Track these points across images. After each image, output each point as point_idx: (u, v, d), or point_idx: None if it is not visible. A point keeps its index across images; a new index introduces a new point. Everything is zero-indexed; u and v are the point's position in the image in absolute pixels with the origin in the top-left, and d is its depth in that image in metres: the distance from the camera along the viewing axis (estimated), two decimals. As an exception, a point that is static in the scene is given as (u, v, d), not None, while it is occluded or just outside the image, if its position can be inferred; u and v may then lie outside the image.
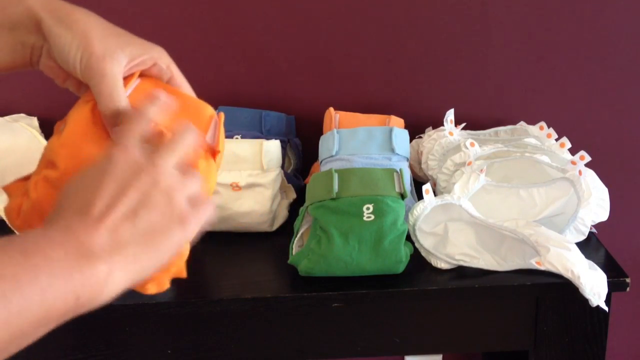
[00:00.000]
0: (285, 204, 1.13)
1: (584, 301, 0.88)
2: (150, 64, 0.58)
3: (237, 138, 1.15)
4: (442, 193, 1.10)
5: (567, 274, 0.87)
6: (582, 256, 0.90)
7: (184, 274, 0.59)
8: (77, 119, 0.56)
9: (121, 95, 0.55)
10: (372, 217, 0.91)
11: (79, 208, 0.46)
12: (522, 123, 1.25)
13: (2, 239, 0.43)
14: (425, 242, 0.96)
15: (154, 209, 0.48)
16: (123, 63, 0.56)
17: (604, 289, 0.88)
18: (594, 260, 0.93)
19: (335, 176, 0.96)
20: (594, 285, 0.87)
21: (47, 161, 0.56)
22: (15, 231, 0.57)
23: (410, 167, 1.15)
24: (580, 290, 0.87)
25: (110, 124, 0.55)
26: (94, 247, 0.44)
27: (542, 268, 0.90)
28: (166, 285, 0.58)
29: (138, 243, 0.47)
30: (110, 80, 0.55)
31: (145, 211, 0.48)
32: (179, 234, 0.50)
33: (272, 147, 1.07)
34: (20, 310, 0.41)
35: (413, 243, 0.96)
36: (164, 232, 0.49)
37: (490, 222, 0.96)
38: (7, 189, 0.57)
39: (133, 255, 0.46)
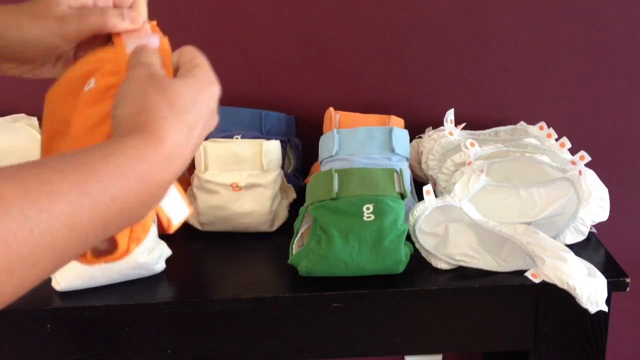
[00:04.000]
0: (285, 204, 1.13)
1: (584, 301, 0.88)
2: None
3: (237, 138, 1.15)
4: (442, 193, 1.10)
5: (563, 286, 0.88)
6: (580, 264, 0.90)
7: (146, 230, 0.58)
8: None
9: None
10: (372, 217, 0.91)
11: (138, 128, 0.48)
12: (522, 123, 1.25)
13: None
14: (426, 242, 0.96)
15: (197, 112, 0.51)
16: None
17: (602, 295, 0.88)
18: (594, 260, 0.93)
19: (335, 176, 0.96)
20: (591, 294, 0.87)
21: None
22: None
23: (410, 167, 1.15)
24: (577, 300, 0.87)
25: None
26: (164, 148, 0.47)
27: (537, 281, 0.90)
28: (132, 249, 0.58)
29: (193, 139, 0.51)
30: (87, 14, 0.56)
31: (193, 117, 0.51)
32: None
33: (272, 148, 1.07)
34: (114, 195, 0.42)
35: (413, 243, 0.96)
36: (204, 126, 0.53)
37: (490, 224, 0.96)
38: None
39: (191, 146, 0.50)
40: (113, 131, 0.49)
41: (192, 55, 0.55)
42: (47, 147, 0.56)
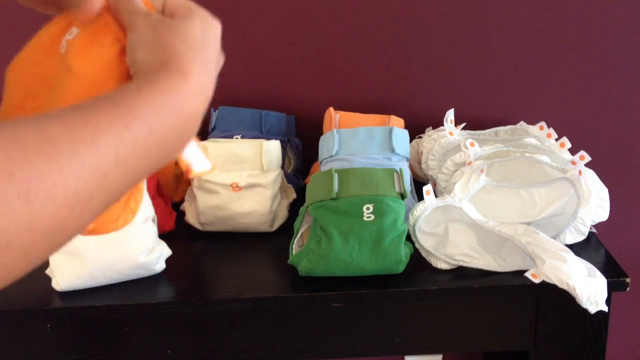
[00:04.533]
0: (285, 204, 1.13)
1: (584, 301, 0.88)
2: None
3: (237, 138, 1.15)
4: (442, 193, 1.10)
5: (563, 286, 0.88)
6: (580, 264, 0.90)
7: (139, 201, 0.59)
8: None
9: None
10: (372, 217, 0.91)
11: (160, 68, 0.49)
12: (522, 123, 1.25)
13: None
14: (426, 242, 0.96)
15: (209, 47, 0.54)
16: None
17: (602, 295, 0.88)
18: (594, 260, 0.93)
19: (335, 176, 0.96)
20: (591, 294, 0.87)
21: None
22: None
23: (410, 167, 1.15)
24: (577, 300, 0.87)
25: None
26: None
27: (537, 281, 0.90)
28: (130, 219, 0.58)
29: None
30: None
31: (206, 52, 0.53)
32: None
33: (272, 148, 1.07)
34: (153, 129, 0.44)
35: (413, 243, 0.96)
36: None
37: (490, 224, 0.96)
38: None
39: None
40: (135, 77, 0.50)
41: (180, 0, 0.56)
42: (18, 108, 0.54)
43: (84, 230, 0.42)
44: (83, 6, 0.53)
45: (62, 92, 0.52)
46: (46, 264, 0.93)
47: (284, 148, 1.17)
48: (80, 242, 0.92)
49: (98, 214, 0.42)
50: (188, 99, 0.48)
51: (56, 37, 0.54)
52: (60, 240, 0.39)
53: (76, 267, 0.91)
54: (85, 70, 0.52)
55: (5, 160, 0.36)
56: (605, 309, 0.88)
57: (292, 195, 1.15)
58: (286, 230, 1.07)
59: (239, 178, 1.06)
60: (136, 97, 0.44)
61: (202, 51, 0.51)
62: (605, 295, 0.88)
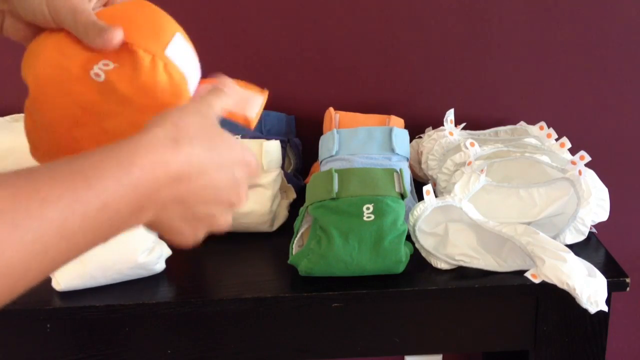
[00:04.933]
0: (285, 204, 1.13)
1: (584, 301, 0.88)
2: None
3: (237, 138, 1.15)
4: (442, 193, 1.10)
5: (563, 286, 0.88)
6: (580, 264, 0.90)
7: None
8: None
9: (101, 22, 0.55)
10: (372, 217, 0.91)
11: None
12: (522, 123, 1.25)
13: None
14: (426, 242, 0.96)
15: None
16: None
17: (602, 295, 0.88)
18: (594, 260, 0.93)
19: (335, 176, 0.96)
20: (591, 294, 0.87)
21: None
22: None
23: (410, 167, 1.15)
24: (577, 300, 0.87)
25: (100, 47, 0.55)
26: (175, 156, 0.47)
27: (537, 281, 0.90)
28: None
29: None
30: (83, 14, 0.54)
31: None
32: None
33: (272, 148, 1.07)
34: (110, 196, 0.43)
35: (413, 243, 0.96)
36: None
37: (491, 225, 0.96)
38: None
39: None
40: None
41: None
42: (69, 139, 0.56)
43: (14, 298, 0.40)
44: (104, 39, 0.53)
45: (118, 123, 0.54)
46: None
47: (284, 148, 1.17)
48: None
49: (35, 283, 0.41)
50: (150, 176, 0.45)
51: (83, 67, 0.55)
52: None
53: (76, 267, 0.91)
54: (148, 102, 0.54)
55: None
56: (605, 309, 0.88)
57: (292, 195, 1.15)
58: (286, 230, 1.07)
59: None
60: (94, 167, 0.42)
61: (216, 150, 0.50)
62: (605, 295, 0.88)
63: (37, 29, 0.57)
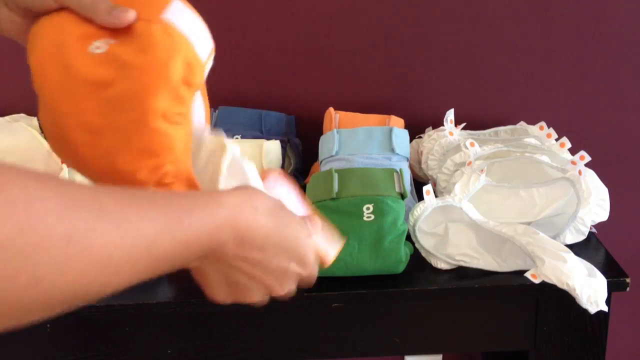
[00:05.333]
0: (285, 204, 1.12)
1: (584, 301, 0.88)
2: None
3: (237, 138, 1.15)
4: (442, 193, 1.10)
5: (563, 286, 0.88)
6: (580, 264, 0.90)
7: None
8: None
9: (106, 2, 0.55)
10: (372, 217, 0.91)
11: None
12: (522, 123, 1.25)
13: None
14: (426, 242, 0.96)
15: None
16: None
17: (602, 295, 0.88)
18: (594, 260, 0.93)
19: (335, 176, 0.96)
20: (591, 294, 0.87)
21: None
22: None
23: (410, 167, 1.15)
24: (577, 300, 0.87)
25: (112, 25, 0.55)
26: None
27: (537, 281, 0.90)
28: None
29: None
30: None
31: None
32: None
33: (272, 148, 1.07)
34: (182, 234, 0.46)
35: (413, 243, 0.96)
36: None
37: (491, 225, 0.96)
38: None
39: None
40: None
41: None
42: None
43: (100, 297, 0.44)
44: (116, 17, 0.54)
45: (121, 89, 0.53)
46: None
47: (284, 148, 1.17)
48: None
49: (114, 292, 0.45)
50: (228, 231, 0.49)
51: (82, 43, 0.54)
52: (77, 298, 0.41)
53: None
54: (149, 63, 0.54)
55: (58, 206, 0.38)
56: (605, 309, 0.88)
57: (292, 195, 1.15)
58: (286, 230, 1.07)
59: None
60: (188, 206, 0.47)
61: (281, 229, 0.53)
62: (605, 295, 0.88)
63: (32, 21, 0.57)
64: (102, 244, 0.40)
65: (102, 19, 0.54)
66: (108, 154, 0.54)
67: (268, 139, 1.12)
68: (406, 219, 0.95)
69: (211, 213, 0.48)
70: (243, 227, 0.50)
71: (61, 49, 0.54)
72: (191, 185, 0.58)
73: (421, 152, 1.19)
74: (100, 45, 0.54)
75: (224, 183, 0.60)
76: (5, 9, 0.57)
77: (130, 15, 0.54)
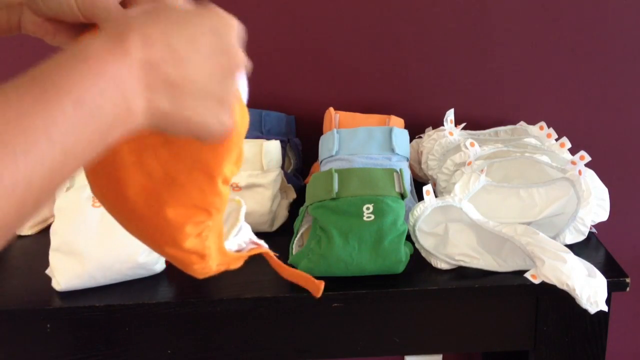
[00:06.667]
0: (285, 204, 1.13)
1: (584, 301, 0.88)
2: None
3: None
4: (442, 193, 1.10)
5: (563, 287, 0.88)
6: (580, 264, 0.90)
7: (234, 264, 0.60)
8: None
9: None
10: (372, 217, 0.91)
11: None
12: (522, 123, 1.25)
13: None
14: (426, 242, 0.96)
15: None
16: None
17: (602, 295, 0.88)
18: (594, 260, 0.93)
19: (335, 176, 0.96)
20: (590, 294, 0.87)
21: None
22: None
23: (410, 167, 1.15)
24: (577, 301, 0.87)
25: None
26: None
27: (537, 282, 0.90)
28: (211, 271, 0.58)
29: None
30: (119, 11, 0.49)
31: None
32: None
33: (272, 148, 1.07)
34: (90, 114, 0.39)
35: (413, 243, 0.96)
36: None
37: (491, 225, 0.96)
38: None
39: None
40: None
41: None
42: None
43: (28, 217, 0.39)
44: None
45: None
46: (46, 264, 0.93)
47: (284, 148, 1.17)
48: (80, 242, 0.92)
49: (41, 205, 0.39)
50: (121, 64, 0.41)
51: None
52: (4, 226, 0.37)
53: (76, 267, 0.91)
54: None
55: None
56: (605, 309, 0.88)
57: (292, 195, 1.15)
58: (286, 230, 1.07)
59: (239, 178, 1.06)
60: (59, 68, 0.40)
61: (174, 28, 0.44)
62: (605, 295, 0.88)
63: (58, 23, 0.54)
64: (14, 172, 0.36)
65: None
66: (160, 203, 0.51)
67: (268, 139, 1.12)
68: (406, 219, 0.95)
69: (84, 71, 0.40)
70: (136, 57, 0.42)
71: None
72: (220, 237, 0.57)
73: (421, 152, 1.19)
74: None
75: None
76: (28, 11, 0.54)
77: None
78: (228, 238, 0.60)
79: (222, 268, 0.60)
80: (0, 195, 0.36)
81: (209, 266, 0.56)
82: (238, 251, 0.63)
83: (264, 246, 0.66)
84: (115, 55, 0.41)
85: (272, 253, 0.65)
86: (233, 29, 0.49)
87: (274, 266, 0.65)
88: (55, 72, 0.40)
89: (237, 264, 0.61)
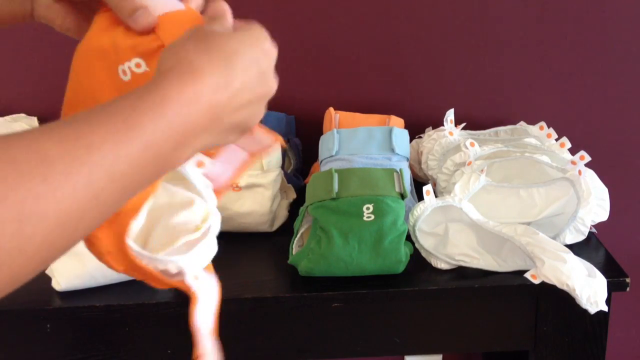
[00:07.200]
0: (285, 204, 1.13)
1: (584, 301, 0.88)
2: None
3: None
4: (442, 193, 1.10)
5: (563, 287, 0.88)
6: (580, 264, 0.90)
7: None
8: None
9: (139, 2, 0.51)
10: (372, 217, 0.91)
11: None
12: (522, 123, 1.25)
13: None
14: (426, 242, 0.96)
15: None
16: None
17: (602, 295, 0.88)
18: (594, 260, 0.93)
19: (335, 176, 0.96)
20: (590, 294, 0.87)
21: None
22: None
23: (410, 167, 1.15)
24: (577, 301, 0.87)
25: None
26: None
27: (537, 282, 0.90)
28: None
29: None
30: None
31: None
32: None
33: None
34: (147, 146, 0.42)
35: (413, 243, 0.96)
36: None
37: (491, 225, 0.96)
38: None
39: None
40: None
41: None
42: (67, 112, 0.54)
43: (74, 245, 0.41)
44: (133, 19, 0.50)
45: None
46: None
47: (283, 148, 1.17)
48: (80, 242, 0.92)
49: (91, 230, 0.42)
50: (187, 109, 0.44)
51: (116, 59, 0.52)
52: (49, 258, 0.39)
53: (76, 267, 0.91)
54: None
55: None
56: (605, 309, 0.88)
57: (292, 195, 1.15)
58: (286, 230, 1.07)
59: (239, 178, 1.06)
60: (131, 108, 0.42)
61: (224, 63, 0.47)
62: (605, 295, 0.88)
63: (68, 4, 0.55)
64: (57, 204, 0.37)
65: (125, 20, 0.51)
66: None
67: (268, 139, 1.12)
68: (406, 219, 0.95)
69: (156, 118, 0.42)
70: (203, 101, 0.45)
71: (97, 55, 0.52)
72: (120, 236, 0.55)
73: (421, 152, 1.19)
74: (126, 71, 0.51)
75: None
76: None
77: (149, 19, 0.51)
78: (166, 250, 0.58)
79: (137, 276, 0.59)
80: (52, 219, 0.37)
81: (106, 260, 0.54)
82: (166, 271, 0.60)
83: (203, 285, 0.63)
84: (190, 99, 0.44)
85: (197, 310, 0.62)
86: (272, 60, 0.52)
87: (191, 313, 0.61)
88: (129, 110, 0.42)
89: (150, 280, 0.60)
